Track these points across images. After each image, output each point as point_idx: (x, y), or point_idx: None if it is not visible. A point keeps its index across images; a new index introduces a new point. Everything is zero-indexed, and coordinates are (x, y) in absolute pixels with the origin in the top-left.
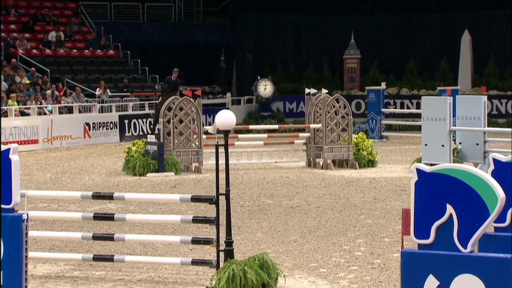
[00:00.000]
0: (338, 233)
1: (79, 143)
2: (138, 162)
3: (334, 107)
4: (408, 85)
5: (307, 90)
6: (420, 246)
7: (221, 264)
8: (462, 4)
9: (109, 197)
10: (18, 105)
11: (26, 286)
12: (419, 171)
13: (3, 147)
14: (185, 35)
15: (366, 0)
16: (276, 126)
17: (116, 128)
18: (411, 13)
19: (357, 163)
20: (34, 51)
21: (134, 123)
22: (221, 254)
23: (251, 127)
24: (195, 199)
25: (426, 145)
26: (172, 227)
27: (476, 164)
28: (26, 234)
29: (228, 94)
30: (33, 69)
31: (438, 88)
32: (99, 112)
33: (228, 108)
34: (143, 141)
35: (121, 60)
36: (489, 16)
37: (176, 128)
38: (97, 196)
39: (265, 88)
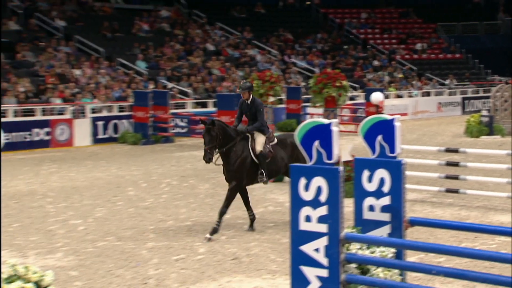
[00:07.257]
0: None
1: (433, 116)
2: (475, 128)
3: None
4: None
5: None
6: None
7: None
8: None
9: (455, 151)
10: (396, 91)
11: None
12: None
13: (391, 117)
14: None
15: None
16: None
17: (459, 106)
18: None
19: None
20: (406, 56)
21: (473, 103)
22: None
23: None
24: None
25: None
26: (500, 172)
27: None
28: (403, 173)
29: None
30: (407, 66)
31: None
32: (448, 95)
33: None
34: (478, 114)
35: (464, 61)
36: None
37: (501, 106)
38: (448, 150)
39: None
